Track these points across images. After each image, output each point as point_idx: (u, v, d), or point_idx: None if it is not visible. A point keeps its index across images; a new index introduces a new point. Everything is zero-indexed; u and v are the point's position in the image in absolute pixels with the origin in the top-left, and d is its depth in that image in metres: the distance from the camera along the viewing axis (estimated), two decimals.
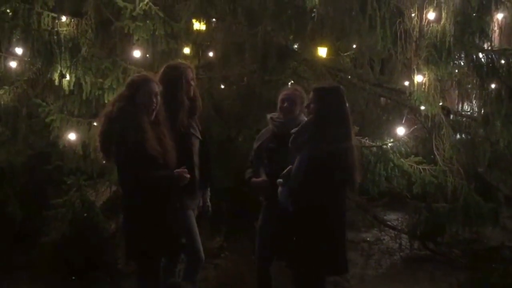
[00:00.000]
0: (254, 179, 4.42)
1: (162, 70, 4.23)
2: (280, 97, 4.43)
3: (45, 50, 5.22)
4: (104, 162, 3.91)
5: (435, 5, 5.44)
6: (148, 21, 5.20)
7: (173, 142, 3.87)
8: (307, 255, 3.88)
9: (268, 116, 4.50)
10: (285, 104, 4.37)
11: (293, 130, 4.03)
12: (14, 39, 5.56)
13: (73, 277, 5.29)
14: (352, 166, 3.91)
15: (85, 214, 5.50)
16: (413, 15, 5.55)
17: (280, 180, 4.02)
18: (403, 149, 6.26)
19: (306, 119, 4.24)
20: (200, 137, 4.28)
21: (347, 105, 4.02)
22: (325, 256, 3.89)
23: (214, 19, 5.91)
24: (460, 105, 6.48)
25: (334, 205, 3.93)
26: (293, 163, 3.98)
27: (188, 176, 3.84)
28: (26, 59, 5.78)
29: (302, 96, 4.42)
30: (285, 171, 4.02)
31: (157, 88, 3.85)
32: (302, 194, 3.86)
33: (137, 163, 3.65)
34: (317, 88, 4.10)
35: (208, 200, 4.45)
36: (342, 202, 4.03)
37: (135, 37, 5.24)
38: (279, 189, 4.03)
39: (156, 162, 3.72)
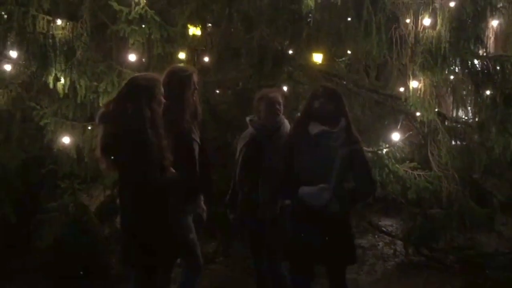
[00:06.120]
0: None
1: (169, 70, 4.17)
2: (262, 101, 4.44)
3: (40, 53, 5.20)
4: (103, 165, 3.84)
5: (430, 11, 5.45)
6: (143, 25, 5.19)
7: (172, 145, 3.82)
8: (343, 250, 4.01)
9: (248, 118, 4.51)
10: (277, 106, 4.40)
11: (325, 130, 3.94)
12: (9, 42, 5.56)
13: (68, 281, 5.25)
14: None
15: (80, 218, 5.48)
16: (408, 21, 5.57)
17: (323, 185, 3.87)
18: (398, 154, 6.26)
19: (286, 121, 4.41)
20: (199, 142, 4.25)
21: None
22: (350, 248, 4.11)
23: (210, 24, 5.91)
24: (455, 111, 6.49)
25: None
26: (323, 164, 3.93)
27: None
28: (20, 62, 5.77)
29: (281, 98, 4.51)
30: (332, 175, 3.90)
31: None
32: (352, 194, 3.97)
33: (147, 164, 3.61)
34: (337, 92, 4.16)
35: (203, 205, 4.43)
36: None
37: (131, 41, 5.23)
38: (319, 193, 3.90)
39: (162, 164, 3.69)
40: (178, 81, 4.04)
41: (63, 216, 5.48)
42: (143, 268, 3.84)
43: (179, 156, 3.83)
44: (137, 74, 4.14)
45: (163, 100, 3.80)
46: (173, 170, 3.76)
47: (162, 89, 3.82)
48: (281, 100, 4.45)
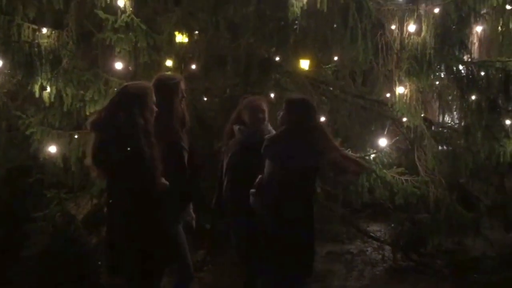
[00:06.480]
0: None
1: (156, 78, 4.15)
2: (247, 109, 4.50)
3: (25, 62, 5.19)
4: (94, 174, 3.83)
5: (415, 17, 5.51)
6: (130, 33, 5.19)
7: (162, 153, 3.78)
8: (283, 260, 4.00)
9: (236, 127, 4.52)
10: (260, 115, 4.45)
11: (267, 136, 4.08)
12: None
13: None
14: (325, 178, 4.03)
15: (67, 228, 5.44)
16: (393, 27, 5.61)
17: (252, 190, 4.11)
18: (385, 160, 6.30)
19: (271, 128, 4.45)
20: (188, 150, 4.24)
21: (317, 117, 4.17)
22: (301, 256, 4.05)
23: (196, 32, 5.91)
24: (441, 117, 6.54)
25: (307, 214, 4.04)
26: (264, 171, 4.07)
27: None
28: (6, 71, 5.72)
29: (265, 106, 4.56)
30: (257, 180, 4.09)
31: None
32: (278, 205, 3.95)
33: (139, 173, 3.60)
34: (289, 100, 4.21)
35: (192, 213, 4.42)
36: (312, 210, 4.13)
37: (117, 49, 5.23)
38: (251, 198, 4.13)
39: (154, 172, 3.67)
40: (166, 89, 4.03)
41: (50, 226, 5.43)
42: (134, 276, 3.81)
43: (169, 165, 3.81)
44: (128, 82, 4.12)
45: (155, 108, 3.80)
46: (163, 179, 3.74)
47: (154, 97, 3.81)
48: (265, 108, 4.49)
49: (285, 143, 3.99)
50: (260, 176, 4.11)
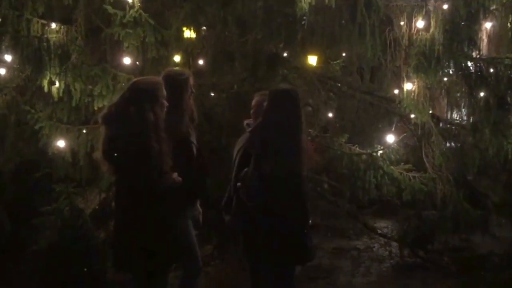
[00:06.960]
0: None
1: (165, 74, 4.14)
2: (253, 104, 4.49)
3: (34, 57, 5.19)
4: (104, 168, 3.83)
5: (424, 13, 5.50)
6: (138, 28, 5.19)
7: (172, 149, 3.77)
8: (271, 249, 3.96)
9: (245, 122, 4.53)
10: (252, 111, 4.44)
11: (248, 130, 4.09)
12: (3, 46, 5.53)
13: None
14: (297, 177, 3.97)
15: (75, 222, 5.45)
16: (402, 23, 5.60)
17: (239, 184, 4.11)
18: (393, 156, 6.30)
19: None
20: (197, 145, 4.25)
21: (300, 111, 4.03)
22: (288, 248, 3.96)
23: (204, 27, 5.92)
24: (449, 113, 6.52)
25: (296, 206, 3.97)
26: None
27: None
28: (15, 66, 5.75)
29: None
30: (242, 173, 4.07)
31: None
32: (264, 199, 3.93)
33: (148, 169, 3.60)
34: (272, 91, 4.11)
35: (199, 208, 4.44)
36: (301, 201, 4.04)
37: (125, 44, 5.23)
38: (240, 191, 4.12)
39: (162, 168, 3.68)
40: (175, 84, 4.03)
41: (58, 220, 5.45)
42: (142, 272, 3.82)
43: (179, 160, 3.82)
44: (138, 78, 4.12)
45: (166, 103, 3.81)
46: (175, 174, 3.74)
47: (165, 92, 3.82)
48: (260, 104, 4.47)
49: (266, 135, 3.93)
50: (245, 170, 4.07)
